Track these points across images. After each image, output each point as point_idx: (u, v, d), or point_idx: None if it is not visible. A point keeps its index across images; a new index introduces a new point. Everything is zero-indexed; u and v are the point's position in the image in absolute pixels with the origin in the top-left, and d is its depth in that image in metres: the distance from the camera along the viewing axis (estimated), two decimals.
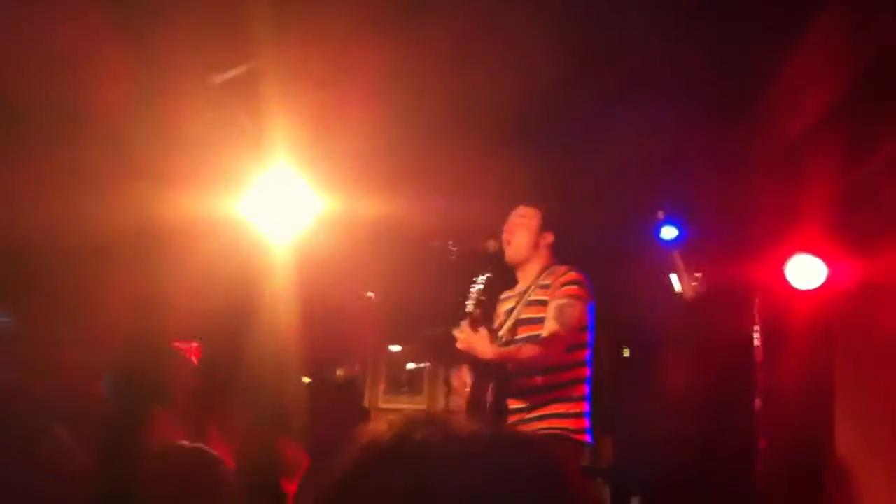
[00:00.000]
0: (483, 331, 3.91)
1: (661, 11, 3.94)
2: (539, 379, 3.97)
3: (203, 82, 4.15)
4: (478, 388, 4.10)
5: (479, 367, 4.07)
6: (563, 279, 4.00)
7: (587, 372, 4.04)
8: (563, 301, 3.91)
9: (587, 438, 3.98)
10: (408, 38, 4.23)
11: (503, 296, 4.31)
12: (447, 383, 4.46)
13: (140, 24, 3.51)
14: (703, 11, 3.98)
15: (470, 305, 4.01)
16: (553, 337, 3.86)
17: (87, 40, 3.37)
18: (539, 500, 0.80)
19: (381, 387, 10.84)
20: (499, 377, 4.02)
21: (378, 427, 0.87)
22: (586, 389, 4.01)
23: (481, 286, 4.06)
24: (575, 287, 3.96)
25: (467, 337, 3.91)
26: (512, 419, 3.94)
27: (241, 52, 4.29)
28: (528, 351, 3.90)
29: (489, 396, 4.05)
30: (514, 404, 4.02)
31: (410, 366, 10.86)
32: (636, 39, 4.07)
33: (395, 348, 10.87)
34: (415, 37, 4.21)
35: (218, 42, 4.09)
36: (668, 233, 6.63)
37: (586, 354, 4.04)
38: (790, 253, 5.79)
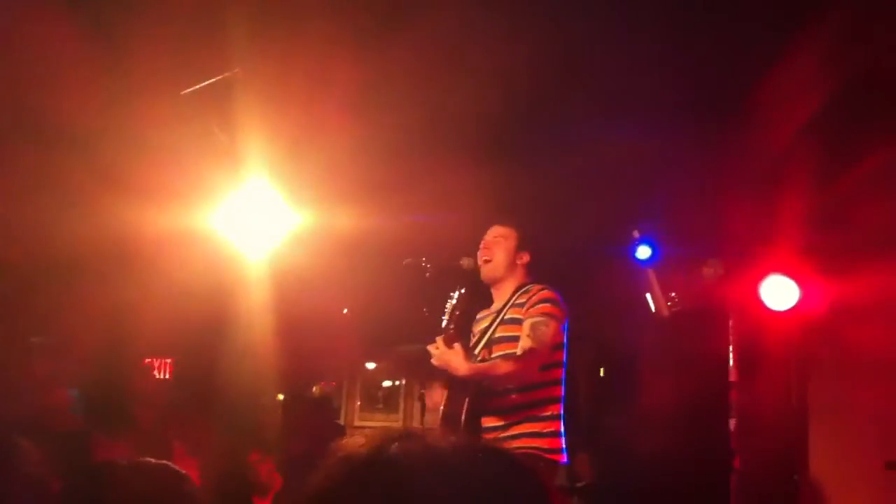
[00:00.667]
0: (458, 347, 3.88)
1: (637, 28, 3.95)
2: (513, 397, 3.94)
3: (177, 95, 4.11)
4: (452, 405, 4.05)
5: (454, 384, 4.03)
6: (536, 297, 3.99)
7: (561, 391, 4.01)
8: (538, 319, 3.89)
9: (562, 458, 3.95)
10: (384, 53, 4.22)
11: (479, 315, 4.29)
12: (422, 400, 4.40)
13: (113, 35, 3.48)
14: (679, 30, 4.00)
15: (445, 321, 3.98)
16: (528, 354, 3.83)
17: (56, 50, 3.34)
18: None
19: (357, 404, 10.78)
20: (473, 395, 3.98)
21: (354, 441, 0.86)
22: (560, 409, 3.99)
23: (455, 301, 4.03)
24: (549, 305, 3.94)
25: (442, 353, 3.87)
26: (486, 437, 3.91)
27: (216, 65, 4.27)
28: (503, 367, 3.88)
29: (463, 414, 4.01)
30: (488, 422, 3.99)
31: (386, 383, 10.80)
32: (613, 56, 4.07)
33: (371, 365, 10.81)
34: (392, 52, 4.20)
35: (194, 54, 4.06)
36: (644, 252, 6.64)
37: (560, 373, 4.01)
38: (764, 273, 5.82)
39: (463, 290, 4.04)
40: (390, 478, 0.79)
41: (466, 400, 3.95)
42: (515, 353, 3.87)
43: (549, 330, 3.85)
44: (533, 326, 3.85)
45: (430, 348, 3.91)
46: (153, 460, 1.93)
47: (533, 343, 3.81)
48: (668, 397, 6.38)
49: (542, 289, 4.02)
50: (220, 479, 4.77)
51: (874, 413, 5.55)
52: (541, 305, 3.92)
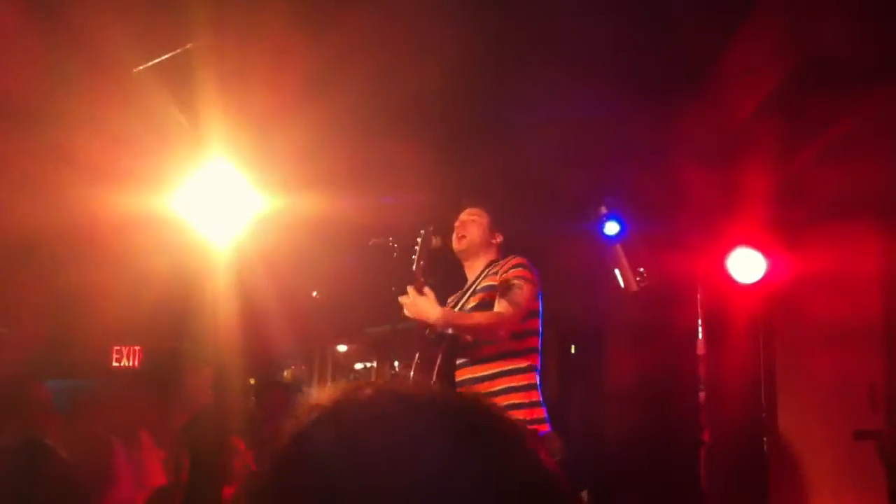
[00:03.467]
0: (429, 292, 3.81)
1: (598, 2, 3.93)
2: (490, 365, 3.90)
3: (134, 74, 4.03)
4: (420, 373, 4.01)
5: (423, 362, 4.00)
6: (510, 263, 3.98)
7: (538, 360, 3.99)
8: (514, 281, 3.88)
9: (546, 428, 3.92)
10: (346, 33, 4.17)
11: (450, 299, 4.25)
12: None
13: (64, 8, 3.39)
14: (640, 3, 3.98)
15: (413, 264, 3.94)
16: (504, 311, 3.80)
17: (4, 25, 3.24)
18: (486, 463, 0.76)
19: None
20: (443, 364, 3.94)
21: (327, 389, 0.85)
22: (536, 377, 3.96)
23: (421, 245, 3.99)
24: (522, 269, 3.92)
25: (413, 301, 3.78)
26: None
27: (176, 44, 4.19)
28: (479, 318, 3.82)
29: (434, 379, 3.95)
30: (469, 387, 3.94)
31: (358, 365, 10.79)
32: (574, 32, 4.05)
33: (342, 348, 10.79)
34: (352, 32, 4.15)
35: (153, 32, 3.98)
36: (611, 228, 6.65)
37: (537, 342, 3.98)
38: (731, 246, 5.84)
39: (432, 228, 4.00)
40: (360, 422, 0.77)
41: (436, 368, 3.90)
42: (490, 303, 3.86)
43: (523, 292, 3.84)
44: (509, 287, 3.84)
45: (402, 299, 3.84)
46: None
47: (508, 303, 3.79)
48: (637, 372, 6.41)
49: (514, 256, 4.03)
50: (192, 469, 4.72)
51: (841, 383, 5.61)
52: (514, 270, 3.92)
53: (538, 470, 0.80)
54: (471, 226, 4.18)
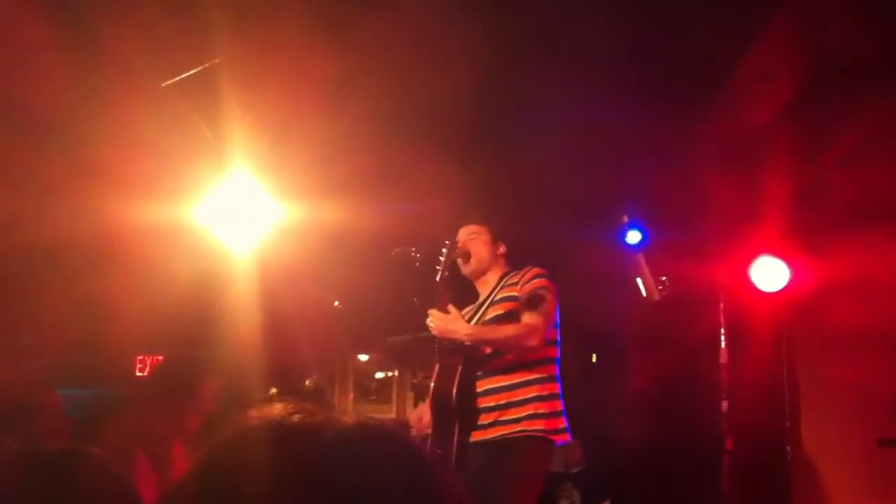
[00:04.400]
0: (454, 311, 3.82)
1: (617, 8, 3.93)
2: (511, 376, 3.87)
3: (159, 86, 4.08)
4: (441, 384, 3.99)
5: (445, 367, 3.99)
6: (530, 274, 3.94)
7: (557, 370, 3.97)
8: (538, 291, 3.85)
9: (564, 439, 3.89)
10: (363, 43, 4.19)
11: (465, 311, 4.23)
12: (415, 390, 4.36)
13: (92, 25, 3.44)
14: (660, 10, 3.98)
15: (439, 272, 3.95)
16: (533, 318, 3.75)
17: (34, 40, 3.30)
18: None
19: (350, 396, 10.78)
20: (463, 376, 3.92)
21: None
22: (558, 388, 3.93)
23: (449, 248, 4.00)
24: (544, 280, 3.90)
25: (439, 320, 3.78)
26: (483, 418, 3.85)
27: (198, 58, 4.24)
28: (507, 329, 3.79)
29: (454, 394, 3.93)
30: (484, 402, 3.91)
31: (379, 374, 10.80)
32: (593, 38, 4.05)
33: (363, 357, 10.81)
34: (370, 42, 4.17)
35: (175, 46, 4.03)
36: (633, 237, 6.64)
37: (556, 352, 3.97)
38: (753, 255, 5.82)
39: (453, 242, 4.02)
40: (277, 450, 0.78)
41: (457, 379, 3.88)
42: (515, 313, 3.85)
43: (548, 304, 3.82)
44: (533, 298, 3.82)
45: (428, 321, 3.85)
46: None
47: (537, 313, 3.77)
48: (659, 380, 6.39)
49: (532, 267, 4.01)
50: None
51: (864, 390, 5.57)
52: (536, 280, 3.90)
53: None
54: (473, 245, 4.16)
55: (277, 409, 0.84)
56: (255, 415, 0.83)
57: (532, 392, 3.83)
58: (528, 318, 3.79)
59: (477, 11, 3.91)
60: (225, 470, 0.78)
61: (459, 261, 4.12)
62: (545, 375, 3.87)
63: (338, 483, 0.75)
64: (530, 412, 3.80)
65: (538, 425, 3.78)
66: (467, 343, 3.82)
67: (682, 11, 3.88)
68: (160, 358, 7.88)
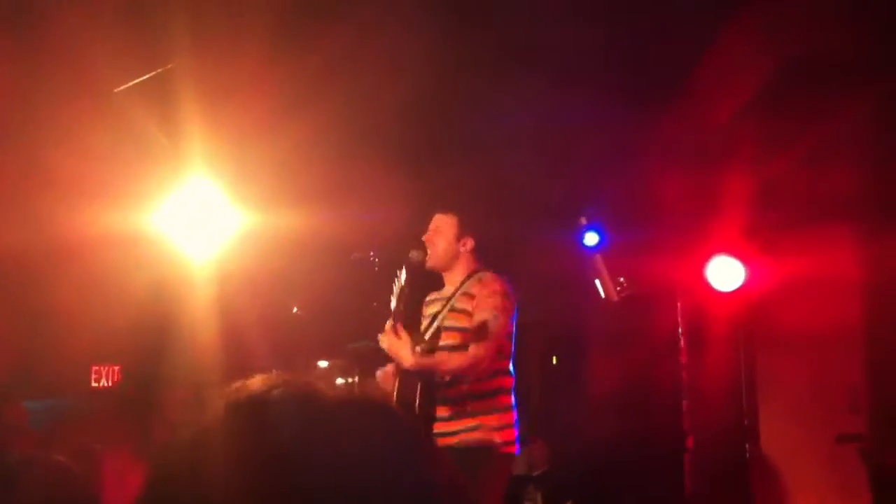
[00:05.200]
0: (405, 336, 3.85)
1: (576, 8, 3.95)
2: (464, 388, 3.91)
3: (113, 92, 4.01)
4: (404, 391, 4.01)
5: (406, 373, 4.00)
6: (488, 290, 3.91)
7: (512, 381, 3.99)
8: (489, 314, 3.84)
9: (515, 450, 3.94)
10: (324, 52, 4.17)
11: (429, 297, 4.22)
12: None
13: (44, 29, 3.37)
14: (619, 11, 4.01)
15: (393, 301, 3.94)
16: (479, 349, 3.80)
17: None
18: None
19: None
20: (425, 384, 3.95)
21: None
22: (511, 399, 3.96)
23: (400, 286, 3.99)
24: (499, 299, 3.86)
25: (390, 343, 3.85)
26: (438, 427, 3.90)
27: (153, 63, 4.18)
28: (451, 362, 3.83)
29: (417, 402, 3.97)
30: (440, 412, 3.95)
31: (339, 381, 10.73)
32: (552, 40, 4.08)
33: (323, 364, 10.72)
34: (331, 51, 4.15)
35: (130, 51, 3.97)
36: (591, 238, 6.68)
37: (509, 364, 4.00)
38: (710, 254, 5.89)
39: (404, 275, 4.00)
40: (262, 421, 0.77)
41: (418, 388, 3.91)
42: (464, 344, 3.84)
43: (498, 325, 3.80)
44: (484, 323, 3.82)
45: (380, 336, 3.88)
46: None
47: (484, 340, 3.78)
48: (619, 380, 6.43)
49: (493, 280, 3.96)
50: None
51: (821, 387, 5.66)
52: (491, 300, 3.87)
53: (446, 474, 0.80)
54: (434, 238, 4.14)
55: (258, 381, 0.82)
56: (237, 389, 0.82)
57: (483, 405, 3.86)
58: (474, 349, 3.79)
59: (435, 20, 3.91)
60: (206, 448, 0.76)
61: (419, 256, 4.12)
62: (497, 388, 3.90)
63: (323, 455, 0.74)
64: (477, 423, 3.83)
65: (491, 437, 3.82)
66: (412, 370, 3.86)
67: (641, 13, 3.91)
68: (116, 368, 7.76)
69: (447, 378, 3.90)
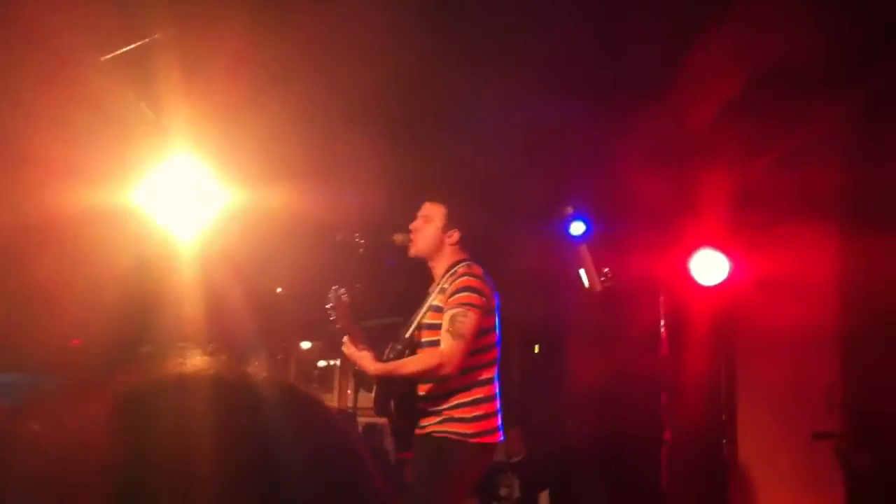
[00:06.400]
0: (364, 351, 3.90)
1: (562, 2, 3.94)
2: (434, 386, 3.91)
3: (97, 62, 3.96)
4: (382, 389, 4.04)
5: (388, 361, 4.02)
6: (456, 285, 3.88)
7: (491, 373, 3.95)
8: (457, 311, 3.80)
9: (492, 440, 3.93)
10: (309, 27, 4.13)
11: (430, 288, 4.21)
12: (356, 377, 4.39)
13: (20, 2, 3.32)
14: (605, 6, 4.00)
15: (343, 318, 3.96)
16: (447, 348, 3.79)
17: None
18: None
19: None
20: (399, 388, 3.98)
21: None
22: (490, 390, 3.93)
23: (344, 297, 4.01)
24: (467, 294, 3.84)
25: (350, 353, 3.95)
26: (421, 421, 3.92)
27: (138, 33, 4.13)
28: (414, 365, 3.88)
29: (392, 401, 4.01)
30: (421, 405, 3.96)
31: (321, 363, 10.73)
32: (538, 33, 4.06)
33: (306, 345, 10.73)
34: (316, 26, 4.12)
35: (113, 21, 3.91)
36: (577, 228, 6.68)
37: (487, 357, 3.94)
38: (694, 248, 5.88)
39: (343, 291, 4.00)
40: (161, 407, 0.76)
41: (394, 394, 3.98)
42: (439, 342, 3.84)
43: (468, 321, 3.80)
44: (452, 320, 3.81)
45: (343, 347, 3.99)
46: None
47: (454, 341, 3.78)
48: (599, 372, 6.44)
49: (464, 273, 3.94)
50: None
51: (799, 384, 5.68)
52: (459, 295, 3.85)
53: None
54: (420, 227, 4.13)
55: (197, 361, 0.81)
56: (180, 365, 0.80)
57: (456, 399, 3.88)
58: (444, 345, 3.82)
59: (421, 7, 3.89)
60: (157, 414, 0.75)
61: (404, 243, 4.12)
62: (473, 381, 3.90)
63: (267, 443, 0.73)
64: (452, 416, 3.86)
65: (458, 428, 3.84)
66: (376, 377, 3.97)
67: (626, 12, 3.90)
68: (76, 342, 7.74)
69: (415, 379, 3.93)
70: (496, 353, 3.98)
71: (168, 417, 0.74)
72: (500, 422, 3.94)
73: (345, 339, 3.96)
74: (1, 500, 0.75)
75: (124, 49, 3.79)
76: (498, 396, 3.95)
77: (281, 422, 0.77)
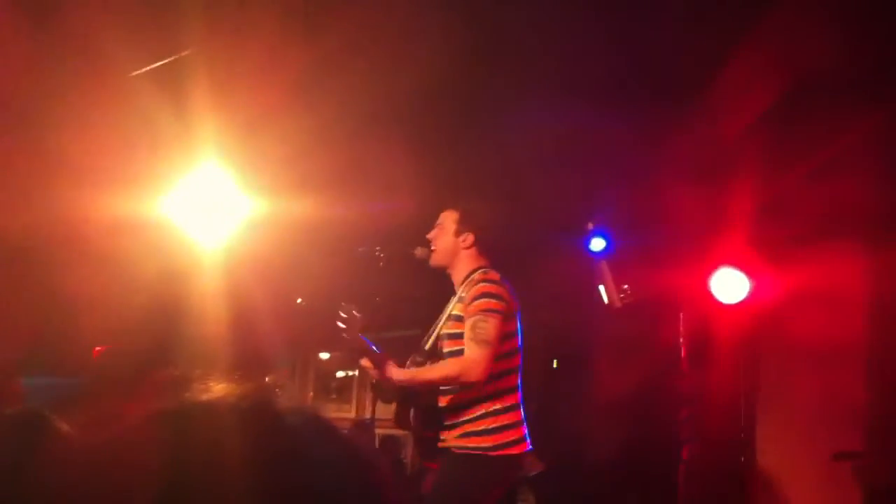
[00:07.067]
0: (390, 362, 3.90)
1: (590, 14, 3.95)
2: (460, 395, 3.86)
3: (127, 77, 4.03)
4: (403, 404, 4.03)
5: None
6: (474, 292, 3.83)
7: (515, 380, 3.87)
8: (477, 318, 3.75)
9: (515, 451, 3.82)
10: (335, 38, 4.18)
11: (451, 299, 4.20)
12: (374, 390, 4.35)
13: (60, 15, 3.39)
14: (633, 21, 4.01)
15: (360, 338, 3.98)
16: (471, 355, 3.72)
17: None
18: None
19: (310, 395, 10.72)
20: (420, 400, 3.97)
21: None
22: (510, 401, 3.83)
23: (344, 310, 4.03)
24: (486, 300, 3.79)
25: (367, 366, 3.99)
26: (442, 434, 3.87)
27: (169, 48, 4.20)
28: (437, 372, 3.84)
29: (412, 413, 4.00)
30: (443, 419, 3.92)
31: (340, 374, 10.75)
32: (564, 44, 4.08)
33: (325, 356, 10.75)
34: (343, 37, 4.16)
35: (146, 36, 3.98)
36: (597, 244, 6.69)
37: (510, 364, 3.87)
38: (715, 266, 5.87)
39: (346, 306, 4.03)
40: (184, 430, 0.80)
41: (413, 406, 3.97)
42: (461, 350, 3.80)
43: (489, 326, 3.74)
44: (473, 327, 3.75)
45: (363, 362, 4.01)
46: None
47: (479, 347, 3.72)
48: (619, 388, 6.43)
49: (481, 280, 3.89)
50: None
51: (823, 403, 5.63)
52: (477, 302, 3.80)
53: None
54: (437, 236, 4.13)
55: (221, 388, 0.85)
56: (213, 393, 0.84)
57: (476, 410, 3.82)
58: (469, 352, 3.76)
59: (452, 11, 3.91)
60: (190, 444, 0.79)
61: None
62: (488, 393, 3.82)
63: (293, 474, 0.77)
64: (471, 430, 3.81)
65: (477, 442, 3.79)
66: (403, 385, 3.94)
67: (658, 22, 3.91)
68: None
69: (439, 388, 3.91)
70: (519, 358, 3.92)
71: (203, 437, 0.78)
72: (525, 431, 3.86)
73: (363, 359, 4.00)
74: (48, 501, 0.78)
75: (157, 64, 3.85)
76: (522, 405, 3.89)
77: (306, 446, 0.81)
